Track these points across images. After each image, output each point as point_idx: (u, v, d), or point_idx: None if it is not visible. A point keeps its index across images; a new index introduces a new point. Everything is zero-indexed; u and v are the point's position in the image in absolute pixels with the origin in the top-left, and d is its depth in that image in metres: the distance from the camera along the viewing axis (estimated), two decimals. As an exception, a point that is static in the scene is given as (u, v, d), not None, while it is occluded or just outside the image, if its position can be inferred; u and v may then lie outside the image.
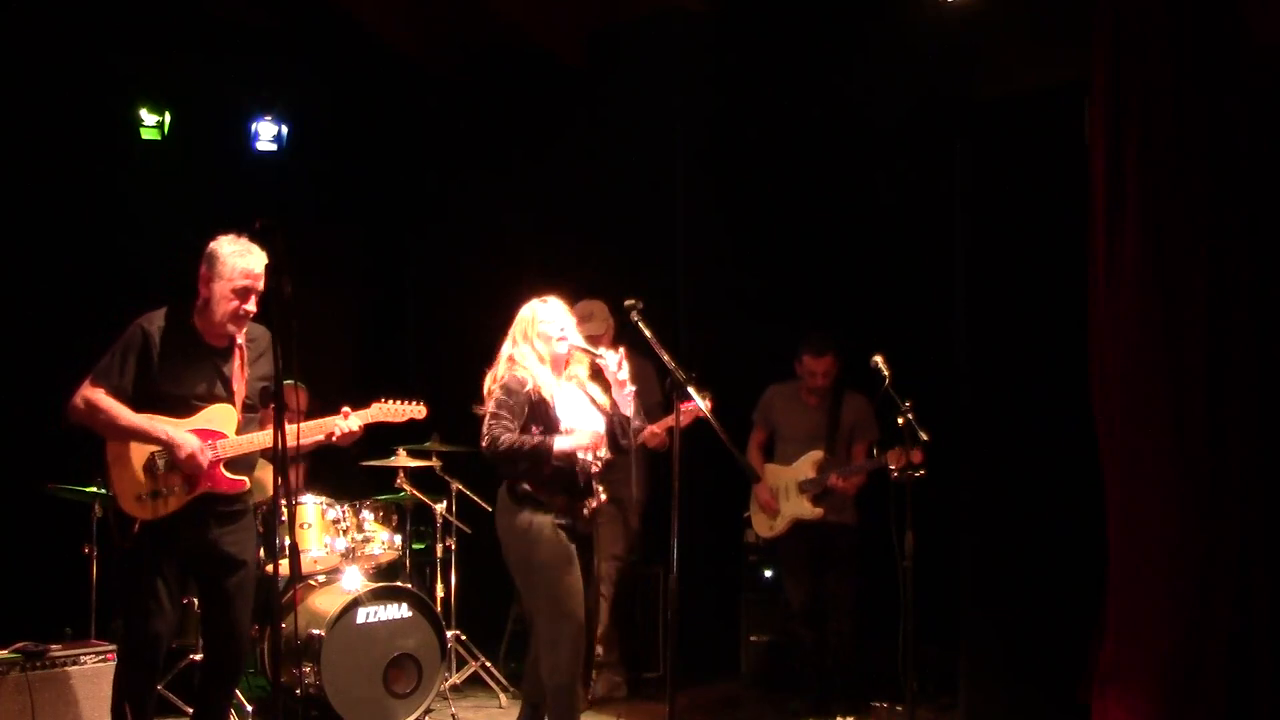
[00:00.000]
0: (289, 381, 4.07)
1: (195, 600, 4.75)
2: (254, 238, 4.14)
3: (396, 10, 7.33)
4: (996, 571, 5.26)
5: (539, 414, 4.45)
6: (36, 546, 5.94)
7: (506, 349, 4.59)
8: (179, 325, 4.15)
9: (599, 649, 5.84)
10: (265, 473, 5.32)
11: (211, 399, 4.17)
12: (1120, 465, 4.63)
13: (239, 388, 4.23)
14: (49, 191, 6.49)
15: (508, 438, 4.36)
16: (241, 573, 4.22)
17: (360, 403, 4.63)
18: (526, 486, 4.41)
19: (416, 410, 4.69)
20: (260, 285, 4.14)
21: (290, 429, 4.01)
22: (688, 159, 6.99)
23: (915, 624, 4.86)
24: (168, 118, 6.98)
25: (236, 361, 4.23)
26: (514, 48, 7.42)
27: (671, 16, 6.85)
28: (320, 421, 4.34)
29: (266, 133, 7.26)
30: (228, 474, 4.18)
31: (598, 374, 4.66)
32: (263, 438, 4.25)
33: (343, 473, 6.28)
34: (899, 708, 5.72)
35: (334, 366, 7.36)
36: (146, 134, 6.95)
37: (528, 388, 4.44)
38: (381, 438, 5.99)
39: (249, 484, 4.33)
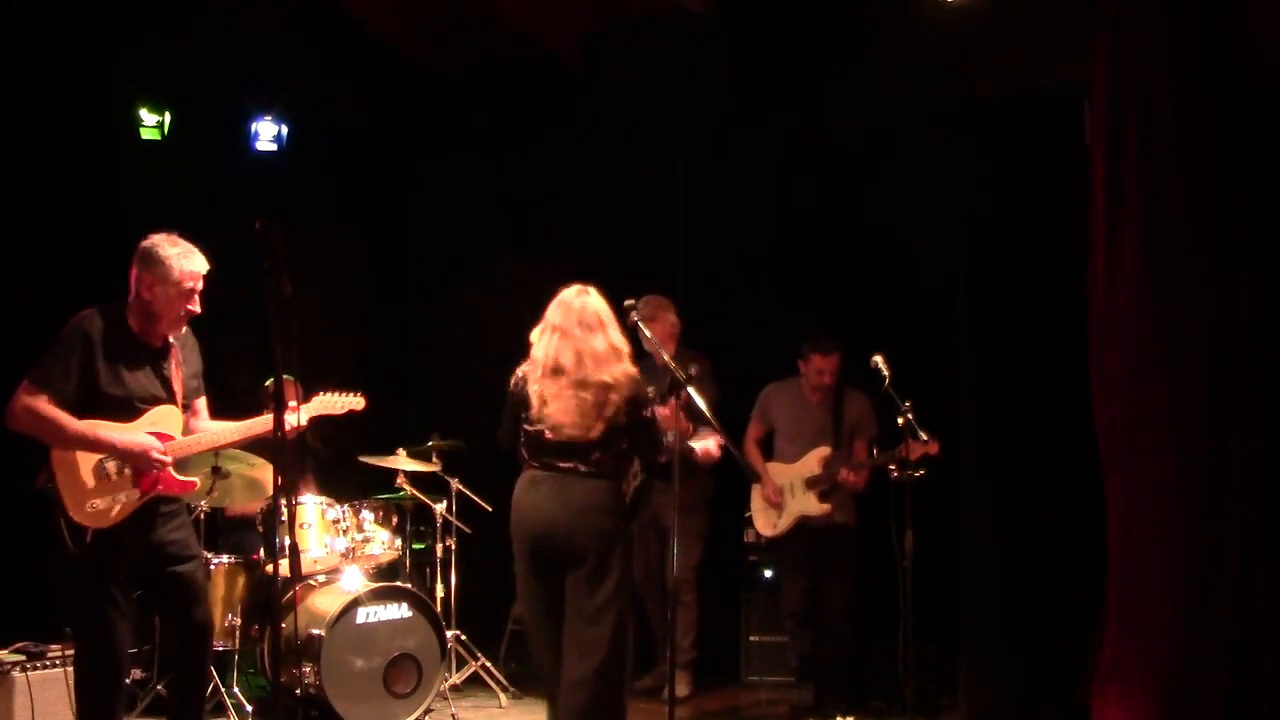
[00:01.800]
0: (287, 377, 4.07)
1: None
2: (189, 238, 4.18)
3: (397, 10, 7.33)
4: (996, 571, 5.26)
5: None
6: (36, 546, 5.93)
7: (618, 340, 4.28)
8: (116, 326, 4.12)
9: None
10: (265, 473, 5.35)
11: (154, 401, 4.16)
12: (1120, 465, 4.63)
13: (178, 388, 4.23)
14: (49, 191, 6.49)
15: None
16: (191, 564, 4.24)
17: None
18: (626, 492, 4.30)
19: (355, 402, 4.73)
20: (201, 285, 4.17)
21: (235, 425, 4.24)
22: (688, 159, 7.00)
23: (915, 624, 4.86)
24: (168, 118, 6.99)
25: (173, 361, 4.23)
26: (514, 48, 7.41)
27: (671, 16, 6.85)
28: (263, 419, 4.29)
29: (266, 133, 7.27)
30: (177, 475, 4.18)
31: None
32: (209, 438, 4.30)
33: (343, 472, 6.29)
34: (899, 707, 5.73)
35: (334, 367, 7.36)
36: (146, 134, 6.95)
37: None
38: (381, 438, 6.02)
39: (199, 483, 4.35)
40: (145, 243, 4.17)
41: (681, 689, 5.97)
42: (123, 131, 6.90)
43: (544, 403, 4.19)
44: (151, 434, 4.11)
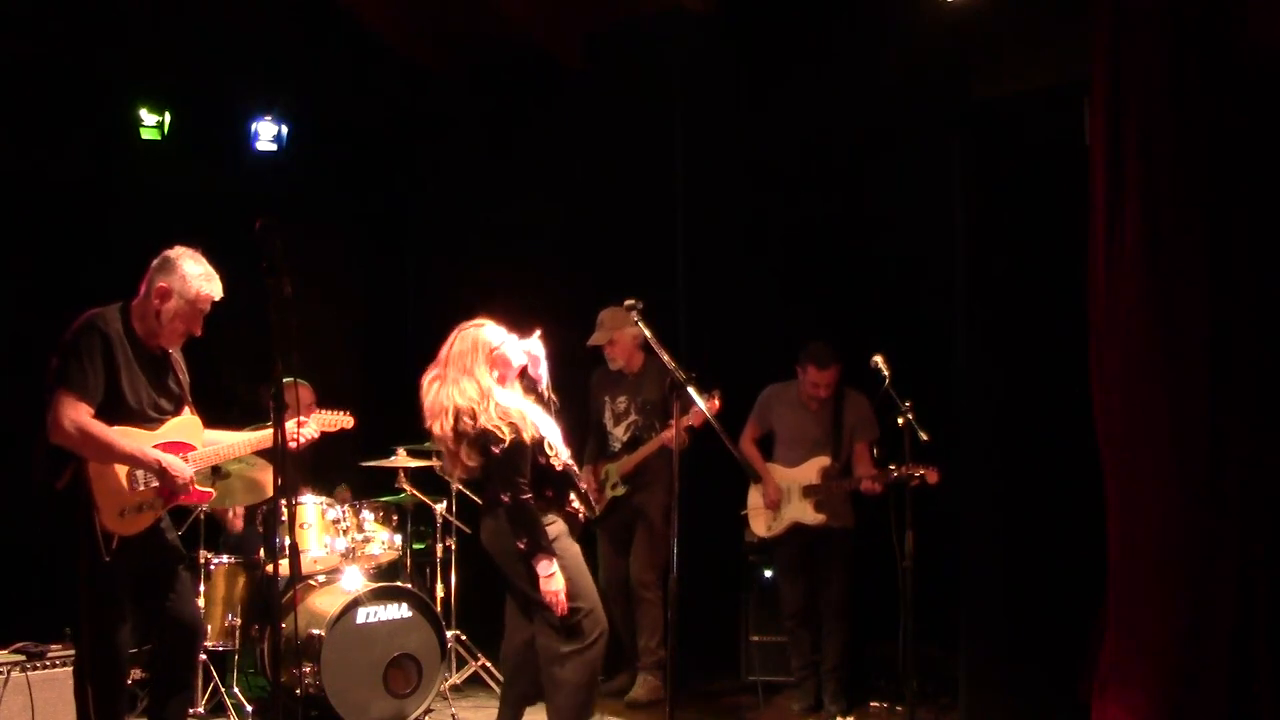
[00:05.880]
0: (289, 379, 4.07)
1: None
2: (189, 237, 4.20)
3: (397, 10, 7.33)
4: (996, 571, 5.26)
5: (539, 468, 4.33)
6: (36, 546, 5.93)
7: (469, 386, 4.41)
8: (126, 329, 4.11)
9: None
10: (266, 474, 5.35)
11: (168, 409, 4.18)
12: (1120, 464, 4.62)
13: (188, 395, 4.27)
14: (49, 192, 6.49)
15: (529, 499, 4.25)
16: (182, 562, 4.30)
17: (361, 404, 4.65)
18: None
19: (345, 420, 4.83)
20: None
21: (253, 436, 4.24)
22: (687, 159, 7.00)
23: (915, 624, 4.86)
24: (168, 118, 6.99)
25: (176, 369, 4.26)
26: (514, 48, 7.42)
27: (671, 16, 6.85)
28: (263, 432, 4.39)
29: (266, 133, 7.27)
30: (198, 486, 4.22)
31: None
32: (226, 449, 4.33)
33: (343, 473, 6.28)
34: (899, 708, 5.73)
35: (333, 367, 7.36)
36: (146, 134, 6.96)
37: (528, 435, 4.27)
38: (381, 438, 6.01)
39: (214, 492, 4.37)
40: (170, 253, 4.17)
41: (641, 693, 5.96)
42: (123, 131, 6.90)
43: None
44: (174, 444, 4.14)
